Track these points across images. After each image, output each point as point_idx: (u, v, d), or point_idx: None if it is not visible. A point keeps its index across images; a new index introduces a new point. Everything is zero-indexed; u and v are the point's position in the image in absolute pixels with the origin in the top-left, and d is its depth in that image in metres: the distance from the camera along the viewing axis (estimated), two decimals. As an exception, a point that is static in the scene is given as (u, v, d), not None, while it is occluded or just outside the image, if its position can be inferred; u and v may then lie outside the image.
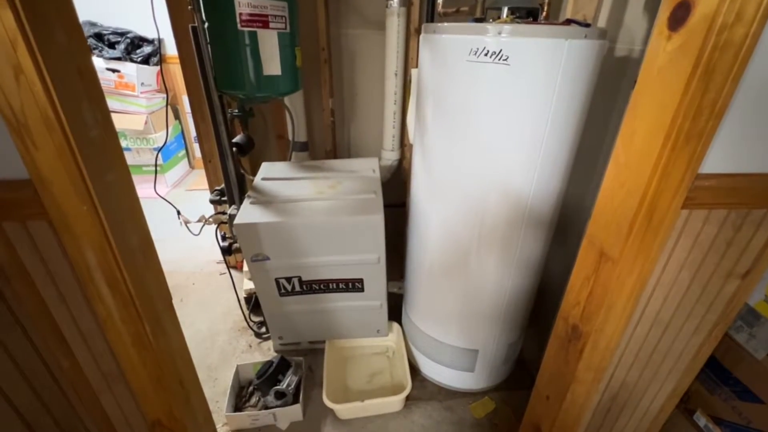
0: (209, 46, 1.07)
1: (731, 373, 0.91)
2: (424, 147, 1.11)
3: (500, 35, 0.83)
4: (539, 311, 1.45)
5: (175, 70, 3.17)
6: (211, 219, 1.40)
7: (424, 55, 1.02)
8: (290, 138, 1.61)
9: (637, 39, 1.04)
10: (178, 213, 1.55)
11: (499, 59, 0.84)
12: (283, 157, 1.80)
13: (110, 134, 0.62)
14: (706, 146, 0.60)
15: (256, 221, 1.13)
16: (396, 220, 1.80)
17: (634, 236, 0.68)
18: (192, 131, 3.42)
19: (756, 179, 0.65)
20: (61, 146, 0.53)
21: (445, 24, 0.91)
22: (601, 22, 1.17)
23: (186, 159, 3.45)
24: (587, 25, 0.83)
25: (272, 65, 1.06)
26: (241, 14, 0.99)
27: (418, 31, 1.58)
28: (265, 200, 1.22)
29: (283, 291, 1.29)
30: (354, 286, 1.30)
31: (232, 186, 1.29)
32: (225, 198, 1.43)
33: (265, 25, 1.01)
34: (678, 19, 0.57)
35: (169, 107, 3.21)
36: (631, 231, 0.68)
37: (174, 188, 3.19)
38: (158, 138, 2.91)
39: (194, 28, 1.07)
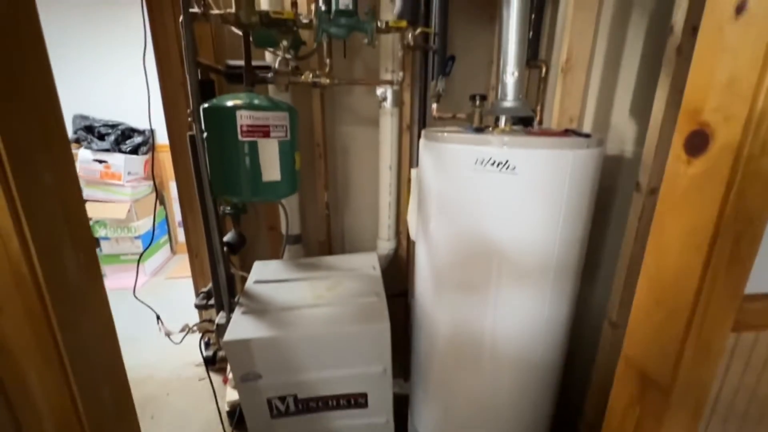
0: (207, 154, 1.05)
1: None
2: (429, 246, 1.06)
3: (504, 147, 0.83)
4: (564, 407, 1.31)
5: (164, 158, 3.19)
6: (195, 328, 1.27)
7: (426, 159, 1.03)
8: (284, 232, 1.56)
9: (627, 140, 1.08)
10: (158, 318, 1.41)
11: (506, 169, 0.84)
12: (275, 249, 1.72)
13: (93, 277, 0.54)
14: (749, 267, 0.57)
15: (249, 337, 1.01)
16: (395, 309, 1.69)
17: (684, 363, 0.61)
18: (176, 215, 3.35)
19: (801, 298, 0.61)
20: (31, 308, 0.45)
21: (448, 134, 0.93)
22: (587, 123, 1.24)
23: (168, 245, 3.33)
24: (587, 136, 0.85)
25: (272, 172, 1.04)
26: (242, 126, 0.98)
27: (410, 128, 1.64)
28: (259, 309, 1.12)
29: (275, 412, 1.13)
30: (356, 402, 1.15)
31: (221, 292, 1.19)
32: (212, 302, 1.31)
33: (266, 134, 1.01)
34: (695, 146, 0.57)
35: (154, 194, 3.17)
36: (680, 357, 0.61)
37: (153, 276, 3.01)
38: (140, 226, 2.81)
39: (192, 137, 1.06)
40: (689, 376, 0.62)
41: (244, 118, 0.98)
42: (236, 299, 1.24)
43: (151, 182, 3.04)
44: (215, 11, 1.03)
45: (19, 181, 0.42)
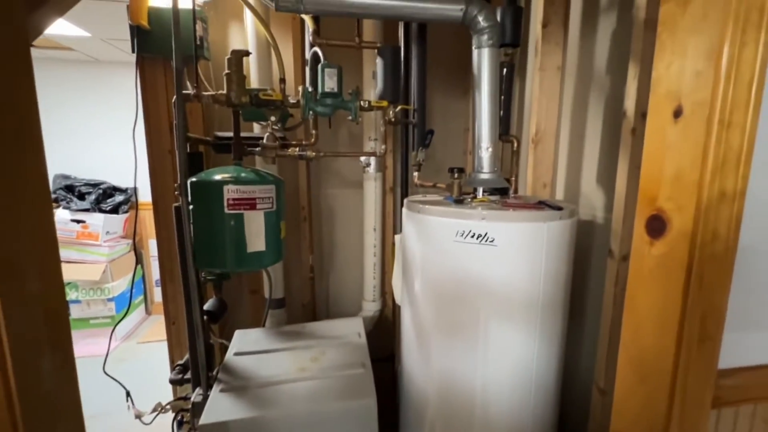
0: (192, 226, 1.05)
1: None
2: (414, 313, 1.07)
3: (483, 220, 0.88)
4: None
5: (144, 216, 3.16)
6: (169, 407, 1.19)
7: (409, 228, 1.06)
8: (267, 296, 1.53)
9: (597, 207, 1.15)
10: (127, 395, 1.31)
11: (486, 241, 0.88)
12: (257, 313, 1.68)
13: (68, 381, 0.52)
14: (719, 343, 0.60)
15: (227, 419, 0.95)
16: (381, 374, 1.63)
17: (671, 442, 0.61)
18: (154, 274, 3.24)
19: (771, 371, 0.64)
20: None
21: (429, 206, 0.97)
22: (559, 189, 1.32)
23: (143, 305, 3.18)
24: (559, 208, 0.91)
25: (257, 243, 1.04)
26: (228, 199, 1.00)
27: (393, 190, 1.70)
28: (238, 386, 1.06)
29: (253, 504, 1.03)
30: (342, 485, 1.06)
31: (199, 367, 1.13)
32: (188, 377, 1.24)
33: (252, 207, 1.03)
34: (655, 229, 0.62)
35: (132, 252, 3.09)
36: (666, 436, 0.61)
37: (125, 341, 2.84)
38: (114, 287, 2.70)
39: (178, 209, 1.07)
40: (678, 456, 0.62)
41: (231, 192, 1.00)
42: (215, 372, 1.18)
43: (130, 241, 2.98)
44: (207, 92, 1.09)
45: (3, 290, 0.42)
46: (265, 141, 1.14)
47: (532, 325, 0.94)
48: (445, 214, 0.93)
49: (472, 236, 0.88)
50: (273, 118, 1.22)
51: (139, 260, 3.16)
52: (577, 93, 1.25)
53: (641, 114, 0.91)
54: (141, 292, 3.15)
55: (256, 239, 1.04)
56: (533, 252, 0.88)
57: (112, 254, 2.77)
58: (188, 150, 1.15)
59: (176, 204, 1.08)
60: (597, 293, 1.15)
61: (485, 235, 0.87)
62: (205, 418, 0.96)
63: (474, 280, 0.92)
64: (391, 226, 1.69)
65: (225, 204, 1.00)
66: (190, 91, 1.10)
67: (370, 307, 1.67)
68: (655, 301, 0.62)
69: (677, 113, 0.58)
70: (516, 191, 1.15)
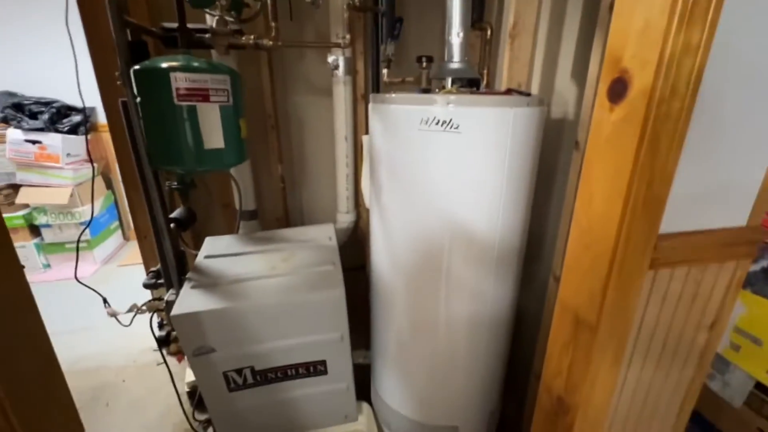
0: (142, 120, 0.98)
1: (715, 425, 0.89)
2: (382, 212, 1.07)
3: (449, 105, 0.84)
4: (516, 361, 1.39)
5: (108, 138, 2.98)
6: (144, 307, 1.22)
7: (375, 123, 1.02)
8: (237, 207, 1.51)
9: (569, 103, 1.12)
10: (105, 301, 1.34)
11: (450, 128, 0.85)
12: (230, 228, 1.67)
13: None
14: (662, 209, 0.61)
15: (198, 309, 0.98)
16: (356, 283, 1.70)
17: (608, 301, 0.66)
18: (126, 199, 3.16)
19: (708, 235, 0.67)
20: None
21: (394, 95, 0.92)
22: (534, 88, 1.27)
23: (119, 231, 3.15)
24: (527, 95, 0.87)
25: (214, 139, 0.99)
26: (178, 89, 0.92)
27: (365, 98, 1.61)
28: (209, 282, 1.08)
29: (233, 386, 1.12)
30: (316, 369, 1.16)
31: (169, 268, 1.14)
32: (162, 281, 1.26)
33: (206, 98, 0.96)
34: (617, 93, 0.60)
35: (101, 177, 2.97)
36: (604, 296, 0.66)
37: (105, 264, 2.86)
38: (85, 211, 2.64)
39: (124, 103, 0.99)
40: (613, 314, 0.67)
41: (179, 81, 0.92)
42: (186, 275, 1.20)
43: (96, 165, 2.84)
44: (141, -37, 0.95)
45: None
46: (215, 26, 1.02)
47: (495, 213, 0.94)
48: (410, 101, 0.88)
49: (437, 123, 0.85)
50: (224, 2, 1.09)
51: (108, 185, 3.06)
52: (559, -24, 1.14)
53: (622, -13, 0.83)
54: (115, 217, 3.09)
55: (213, 134, 0.99)
56: (498, 139, 0.86)
57: (78, 178, 2.65)
58: (130, 39, 1.04)
59: (122, 98, 1.00)
60: (562, 189, 1.17)
61: (450, 121, 0.84)
62: (176, 310, 0.99)
63: (439, 169, 0.90)
64: (363, 136, 1.64)
65: (174, 94, 0.93)
66: (120, -38, 0.95)
67: (344, 218, 1.68)
68: (609, 168, 0.62)
69: (653, -46, 0.53)
70: (488, 84, 1.10)
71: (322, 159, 1.70)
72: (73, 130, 2.66)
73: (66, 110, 2.71)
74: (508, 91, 0.91)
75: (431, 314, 1.05)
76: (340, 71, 1.45)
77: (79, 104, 2.77)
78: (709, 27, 0.52)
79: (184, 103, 0.94)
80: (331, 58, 1.43)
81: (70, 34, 1.19)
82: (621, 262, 0.63)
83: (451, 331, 1.06)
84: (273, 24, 1.25)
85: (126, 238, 3.23)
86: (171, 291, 1.18)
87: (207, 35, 1.04)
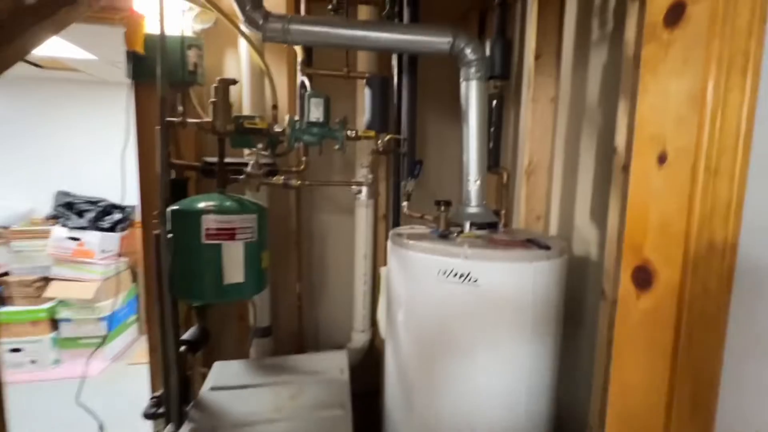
0: (171, 254, 1.02)
1: None
2: (397, 353, 1.01)
3: (467, 259, 0.84)
4: None
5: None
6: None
7: (393, 262, 1.02)
8: (251, 325, 1.48)
9: (591, 242, 1.11)
10: (100, 429, 1.26)
11: (469, 280, 0.83)
12: (244, 340, 1.62)
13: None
14: (713, 411, 0.54)
15: (193, 464, 0.90)
16: (368, 412, 1.56)
17: None
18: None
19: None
20: None
21: (414, 242, 0.93)
22: (553, 221, 1.27)
23: (136, 324, 3.14)
24: (547, 247, 0.87)
25: (235, 275, 1.01)
26: (207, 229, 0.98)
27: (385, 217, 1.67)
28: (209, 426, 1.01)
29: None
30: None
31: (171, 403, 1.08)
32: (163, 411, 1.19)
33: (231, 237, 1.01)
34: (642, 280, 0.57)
35: (129, 271, 3.08)
36: None
37: (115, 361, 2.78)
38: (106, 306, 2.67)
39: (157, 236, 1.05)
40: None
41: (209, 222, 0.98)
42: (189, 407, 1.13)
43: (126, 259, 2.97)
44: (192, 120, 1.09)
45: None
46: (249, 169, 1.12)
47: (519, 370, 0.88)
48: (429, 250, 0.89)
49: (455, 275, 0.84)
50: (260, 145, 1.21)
51: (134, 278, 3.14)
52: (570, 124, 1.22)
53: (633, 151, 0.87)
54: (135, 310, 3.11)
55: (233, 271, 1.01)
56: (519, 293, 0.84)
57: (107, 272, 2.75)
58: (174, 176, 1.14)
59: (156, 231, 1.06)
60: (592, 330, 1.09)
61: (468, 274, 0.83)
62: (169, 463, 0.90)
63: (457, 320, 0.87)
64: (382, 254, 1.65)
65: (203, 234, 0.98)
66: (180, 117, 1.09)
67: (360, 337, 1.61)
68: (642, 359, 0.57)
69: (662, 159, 0.55)
70: (506, 225, 1.11)
71: (341, 275, 1.71)
72: (113, 228, 2.84)
73: (110, 208, 2.94)
74: (528, 242, 0.91)
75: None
76: (363, 195, 1.53)
77: (122, 203, 3.01)
78: (733, 229, 0.51)
79: (210, 242, 0.99)
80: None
81: (123, 164, 1.34)
82: (673, 474, 0.54)
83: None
84: (303, 158, 1.37)
85: (141, 331, 3.20)
86: (170, 428, 1.10)
87: (242, 176, 1.14)
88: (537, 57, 1.23)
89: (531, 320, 0.85)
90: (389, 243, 1.06)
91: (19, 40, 0.71)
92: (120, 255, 2.93)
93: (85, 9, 1.06)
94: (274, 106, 1.33)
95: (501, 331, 0.85)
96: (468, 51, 0.97)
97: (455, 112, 1.71)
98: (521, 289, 0.84)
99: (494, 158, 1.12)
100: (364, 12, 1.42)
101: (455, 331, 0.87)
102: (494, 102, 1.11)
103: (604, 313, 0.94)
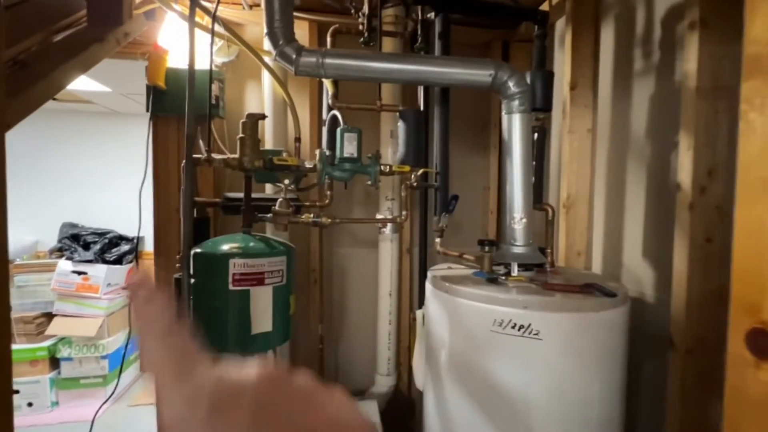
0: (191, 299, 0.94)
1: None
2: (442, 409, 0.91)
3: (526, 309, 0.76)
4: None
5: (150, 266, 3.07)
6: None
7: (435, 308, 0.94)
8: (270, 371, 1.37)
9: (645, 284, 1.03)
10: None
11: (529, 333, 0.75)
12: (258, 387, 1.51)
13: None
14: None
15: None
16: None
17: None
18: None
19: None
20: None
21: (460, 287, 0.85)
22: (596, 259, 1.20)
23: (138, 362, 2.99)
24: (613, 294, 0.79)
25: (263, 324, 0.93)
26: (234, 274, 0.90)
27: (410, 250, 1.59)
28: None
29: None
30: None
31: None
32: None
33: (260, 282, 0.93)
34: (761, 347, 0.49)
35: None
36: None
37: (114, 403, 2.63)
38: (110, 344, 2.55)
39: (178, 281, 0.97)
40: None
41: (237, 266, 0.90)
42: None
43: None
44: (218, 156, 1.03)
45: None
46: (277, 207, 1.06)
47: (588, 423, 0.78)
48: (479, 298, 0.81)
49: (513, 327, 0.76)
50: (287, 181, 1.15)
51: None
52: (611, 157, 1.17)
53: (699, 188, 0.81)
54: (137, 348, 2.98)
55: (262, 319, 0.92)
56: (586, 345, 0.75)
57: (111, 307, 2.64)
58: (195, 214, 1.08)
59: (177, 275, 0.99)
60: (651, 379, 0.99)
61: (529, 326, 0.75)
62: None
63: (515, 379, 0.78)
64: (407, 290, 1.57)
65: (230, 279, 0.90)
66: (202, 152, 1.04)
67: (384, 381, 1.50)
68: (771, 441, 0.48)
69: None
70: (552, 264, 1.04)
71: (363, 313, 1.61)
72: (119, 260, 2.76)
73: (117, 240, 2.86)
74: (587, 287, 0.83)
75: None
76: (388, 229, 1.46)
77: (130, 234, 2.94)
78: None
79: (238, 288, 0.91)
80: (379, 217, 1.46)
81: (140, 201, 1.28)
82: None
83: None
84: (328, 192, 1.30)
85: (143, 369, 3.05)
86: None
87: (269, 214, 1.07)
88: (572, 87, 1.20)
89: (599, 381, 0.76)
90: (428, 285, 0.98)
91: (49, 78, 0.67)
92: (125, 288, 2.83)
93: (114, 45, 1.03)
94: (297, 139, 1.28)
95: (565, 380, 0.75)
96: (511, 84, 0.93)
97: (475, 141, 1.68)
98: (589, 341, 0.75)
99: (537, 194, 1.06)
100: (388, 44, 1.40)
101: (511, 392, 0.78)
102: (536, 135, 1.06)
103: (675, 365, 0.85)
